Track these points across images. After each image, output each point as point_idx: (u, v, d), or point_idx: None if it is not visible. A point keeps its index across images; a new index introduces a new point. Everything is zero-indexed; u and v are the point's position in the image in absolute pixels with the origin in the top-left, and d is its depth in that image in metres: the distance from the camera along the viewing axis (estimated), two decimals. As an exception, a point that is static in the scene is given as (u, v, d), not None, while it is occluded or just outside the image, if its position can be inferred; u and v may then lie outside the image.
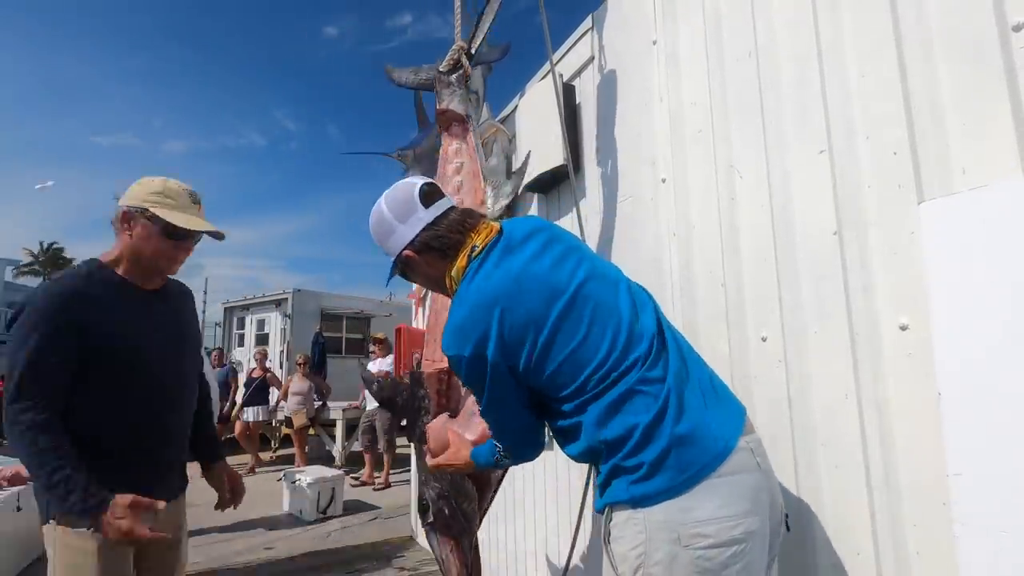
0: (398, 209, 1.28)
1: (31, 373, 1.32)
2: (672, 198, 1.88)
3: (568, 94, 2.50)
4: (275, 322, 11.11)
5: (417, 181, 1.32)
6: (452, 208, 1.31)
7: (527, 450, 1.31)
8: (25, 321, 1.34)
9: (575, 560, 2.17)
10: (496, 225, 1.30)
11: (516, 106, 2.92)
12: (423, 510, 1.80)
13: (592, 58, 2.41)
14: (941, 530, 1.09)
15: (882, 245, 1.24)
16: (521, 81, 3.01)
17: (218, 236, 1.59)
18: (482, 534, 3.36)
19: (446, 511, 1.76)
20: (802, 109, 1.44)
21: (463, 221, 1.28)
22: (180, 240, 1.52)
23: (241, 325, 12.09)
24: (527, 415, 1.23)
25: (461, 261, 1.24)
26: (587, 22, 2.44)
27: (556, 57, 2.58)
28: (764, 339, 1.51)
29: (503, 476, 1.91)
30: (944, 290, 1.07)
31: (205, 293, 41.50)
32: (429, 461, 1.64)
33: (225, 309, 12.65)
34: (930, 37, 1.17)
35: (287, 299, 10.69)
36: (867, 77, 1.29)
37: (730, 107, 1.67)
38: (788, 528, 1.13)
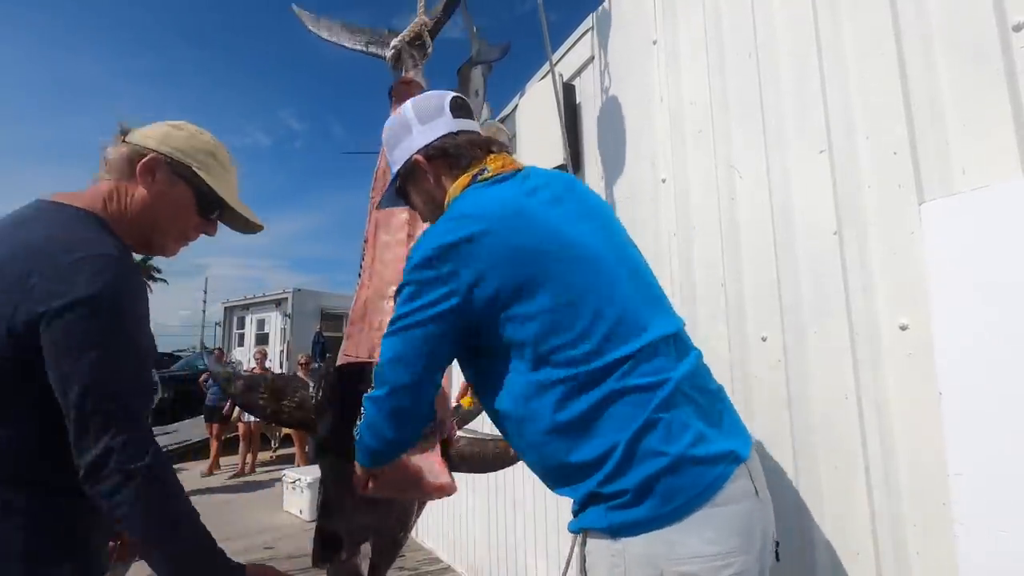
0: (424, 111, 1.18)
1: (142, 399, 0.97)
2: (672, 198, 1.88)
3: (568, 94, 2.50)
4: (275, 322, 11.12)
5: (450, 92, 1.21)
6: (478, 132, 1.21)
7: (398, 412, 1.04)
8: (110, 328, 0.93)
9: (575, 560, 2.17)
10: (520, 164, 1.15)
11: (516, 106, 2.92)
12: (332, 545, 1.41)
13: (592, 58, 2.41)
14: (941, 530, 1.09)
15: (882, 245, 1.24)
16: (521, 81, 3.02)
17: (257, 229, 1.29)
18: (482, 534, 3.37)
19: (367, 544, 1.41)
20: (802, 108, 1.43)
21: (487, 143, 1.17)
22: (209, 220, 1.21)
23: (241, 325, 12.12)
24: (434, 370, 1.02)
25: (465, 179, 1.10)
26: (587, 22, 2.44)
27: (556, 57, 2.59)
28: (764, 339, 1.51)
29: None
30: (944, 290, 1.07)
31: (205, 293, 41.62)
32: (369, 487, 1.33)
33: (225, 309, 12.68)
34: (930, 36, 1.17)
35: (287, 299, 10.71)
36: (867, 76, 1.29)
37: (730, 106, 1.67)
38: (778, 558, 1.04)
